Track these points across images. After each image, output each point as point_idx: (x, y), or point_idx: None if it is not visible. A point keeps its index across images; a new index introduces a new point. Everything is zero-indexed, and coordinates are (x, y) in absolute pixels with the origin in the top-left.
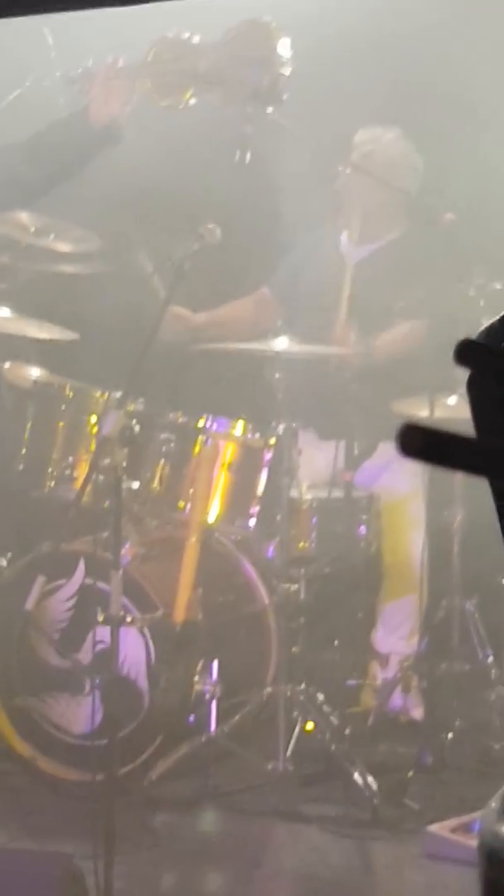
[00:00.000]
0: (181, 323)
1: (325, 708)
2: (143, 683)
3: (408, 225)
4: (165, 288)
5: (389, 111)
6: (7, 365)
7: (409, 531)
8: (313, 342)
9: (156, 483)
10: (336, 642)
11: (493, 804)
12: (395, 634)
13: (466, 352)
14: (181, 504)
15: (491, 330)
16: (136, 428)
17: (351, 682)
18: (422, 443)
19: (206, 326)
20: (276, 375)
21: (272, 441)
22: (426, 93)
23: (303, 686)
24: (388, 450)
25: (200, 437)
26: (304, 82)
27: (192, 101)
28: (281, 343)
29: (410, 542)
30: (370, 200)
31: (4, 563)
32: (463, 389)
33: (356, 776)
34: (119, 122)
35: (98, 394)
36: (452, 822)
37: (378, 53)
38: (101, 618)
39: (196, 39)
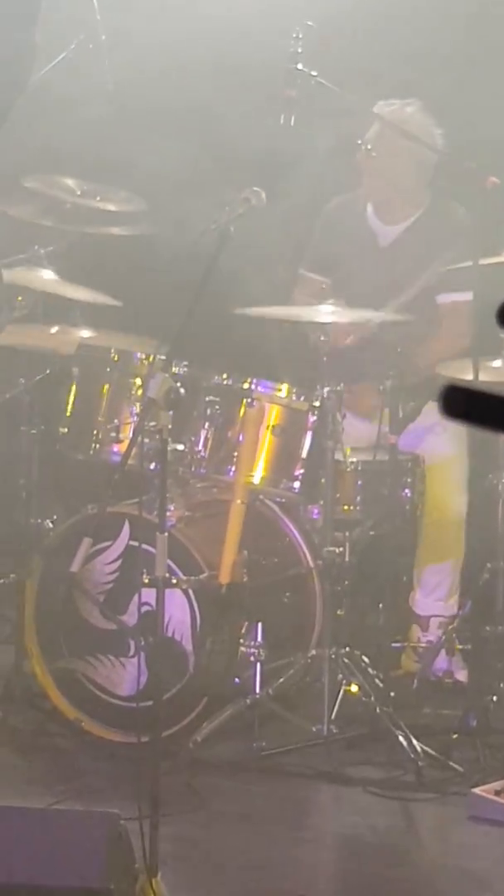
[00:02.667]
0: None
1: (370, 671)
2: (188, 645)
3: (432, 198)
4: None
5: (417, 79)
6: (53, 329)
7: (450, 493)
8: (357, 306)
9: (201, 445)
10: (380, 605)
11: None
12: (433, 596)
13: None
14: (226, 466)
15: None
16: (182, 390)
17: (395, 644)
18: (464, 404)
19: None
20: (321, 338)
21: (317, 404)
22: (455, 54)
23: (347, 649)
24: (432, 412)
25: (245, 400)
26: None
27: None
28: (326, 308)
29: (451, 503)
30: (391, 173)
31: (50, 525)
32: None
33: (401, 738)
34: None
35: (143, 356)
36: (497, 784)
37: (400, 25)
38: (146, 580)
39: None
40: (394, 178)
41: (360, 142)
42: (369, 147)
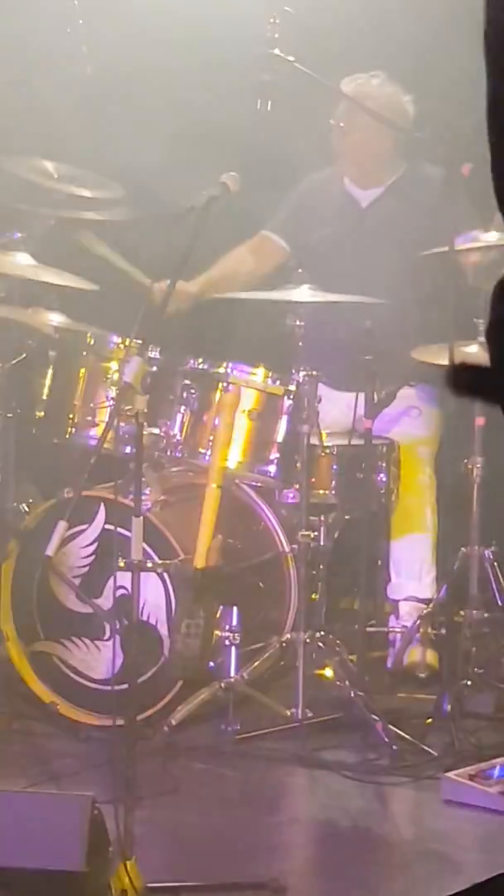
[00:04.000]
0: (178, 297)
1: (345, 655)
2: (163, 629)
3: (409, 164)
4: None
5: (386, 62)
6: (29, 311)
7: (418, 470)
8: (333, 290)
9: (176, 429)
10: (355, 589)
11: None
12: (405, 575)
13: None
14: (201, 450)
15: None
16: (157, 374)
17: (370, 629)
18: (473, 379)
19: (203, 291)
20: (297, 323)
21: (292, 388)
22: (434, 41)
23: (322, 633)
24: (407, 396)
25: (220, 384)
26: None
27: None
28: (301, 291)
29: (418, 480)
30: (366, 146)
31: (26, 508)
32: (482, 337)
33: (375, 723)
34: None
35: (119, 340)
36: (471, 768)
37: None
38: (121, 563)
39: None
40: (369, 149)
41: (332, 121)
42: (341, 125)
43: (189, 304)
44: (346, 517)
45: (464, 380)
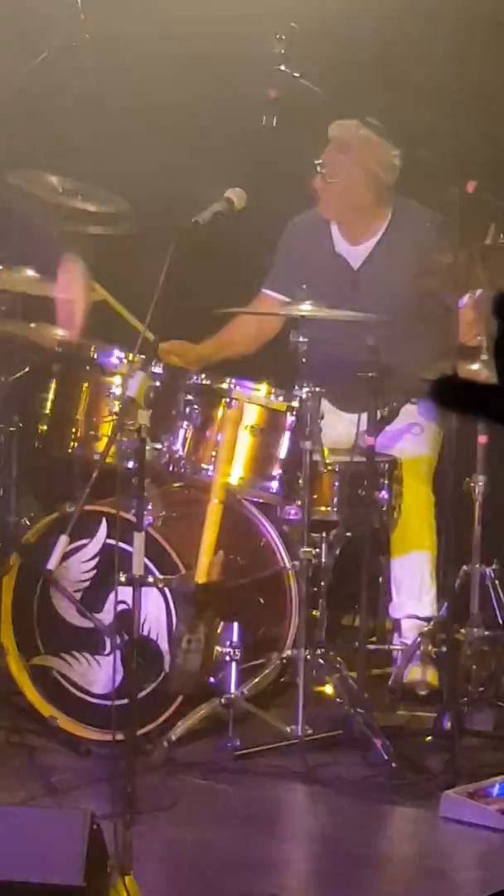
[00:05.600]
0: (185, 355)
1: (345, 672)
2: (164, 644)
3: (394, 209)
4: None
5: (399, 80)
6: (32, 325)
7: (419, 488)
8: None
9: (179, 445)
10: (356, 607)
11: None
12: (405, 593)
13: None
14: (204, 466)
15: None
16: (160, 389)
17: (370, 646)
18: (456, 393)
19: (211, 355)
20: (300, 339)
21: (295, 404)
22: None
23: (322, 650)
24: (409, 414)
25: (223, 400)
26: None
27: None
28: (305, 307)
29: (419, 498)
30: (348, 195)
31: (27, 522)
32: (485, 355)
33: (374, 740)
34: None
35: (122, 355)
36: (470, 786)
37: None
38: (122, 578)
39: None
40: (349, 200)
41: (316, 163)
42: (323, 171)
43: (197, 365)
44: (348, 534)
45: (449, 394)
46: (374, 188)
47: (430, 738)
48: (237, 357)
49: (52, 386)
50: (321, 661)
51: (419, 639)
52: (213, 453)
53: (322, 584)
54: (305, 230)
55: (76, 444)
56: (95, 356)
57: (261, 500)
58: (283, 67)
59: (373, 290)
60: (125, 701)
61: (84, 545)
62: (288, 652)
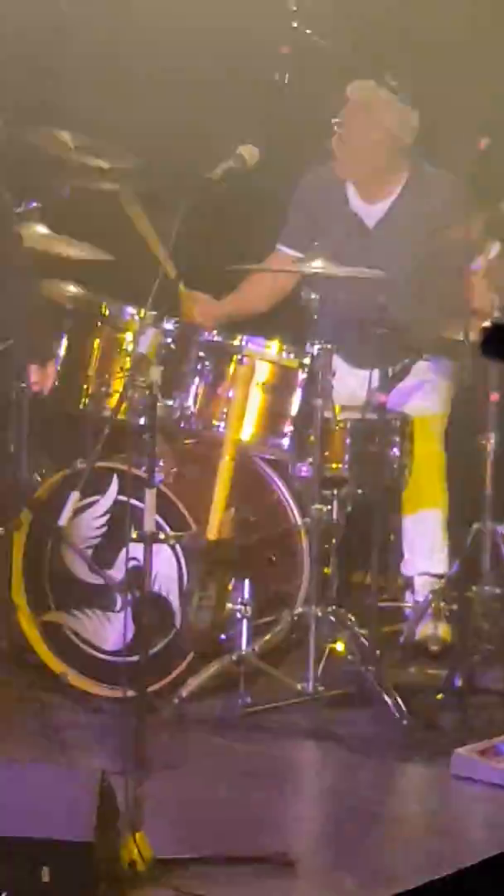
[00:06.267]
0: (204, 309)
1: (356, 629)
2: (175, 601)
3: (412, 168)
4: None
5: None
6: (44, 282)
7: (430, 445)
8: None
9: (190, 401)
10: (368, 564)
11: None
12: (417, 551)
13: None
14: (215, 423)
15: None
16: (172, 346)
17: (382, 603)
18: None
19: (229, 313)
20: (312, 296)
21: (306, 361)
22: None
23: (334, 607)
24: (420, 371)
25: (235, 357)
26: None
27: None
28: (317, 264)
29: (430, 455)
30: (365, 155)
31: (39, 479)
32: (497, 313)
33: (386, 698)
34: None
35: (134, 312)
36: (481, 744)
37: None
38: (133, 535)
39: None
40: (367, 160)
41: (334, 121)
42: (341, 131)
43: (213, 323)
44: (359, 491)
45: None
46: (391, 148)
47: (441, 695)
48: (254, 315)
49: (64, 342)
50: (332, 618)
51: (431, 596)
52: (225, 410)
53: (333, 541)
54: (319, 187)
55: (88, 400)
56: (107, 312)
57: (272, 457)
58: (295, 24)
59: (387, 250)
60: (136, 657)
61: (95, 501)
62: (299, 609)
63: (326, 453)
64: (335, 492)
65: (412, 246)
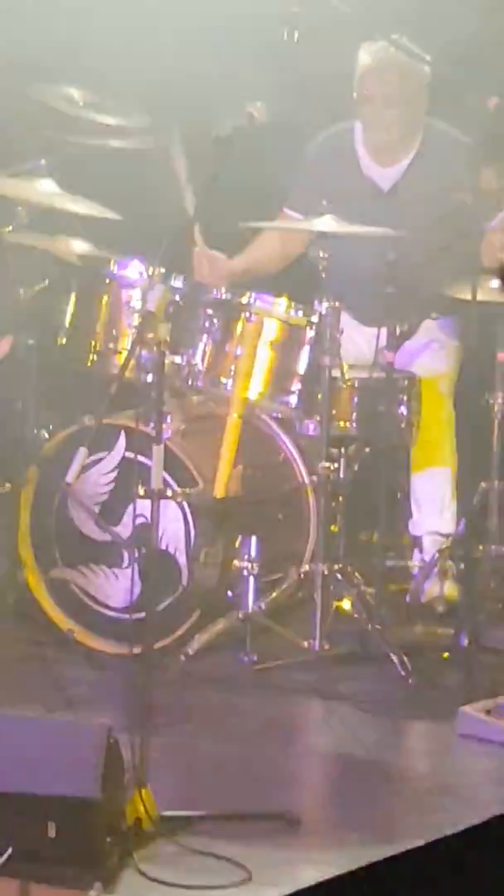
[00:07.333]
0: (216, 268)
1: (363, 587)
2: (182, 558)
3: (426, 130)
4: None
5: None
6: (53, 238)
7: (438, 404)
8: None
9: (198, 359)
10: (375, 522)
11: None
12: (426, 510)
13: None
14: (223, 380)
15: None
16: (180, 303)
17: (389, 562)
18: None
19: (240, 274)
20: (321, 254)
21: (314, 319)
22: None
23: (340, 565)
24: (428, 330)
25: (243, 314)
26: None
27: None
28: (325, 222)
29: (439, 414)
30: (381, 118)
31: (46, 435)
32: None
33: (392, 656)
34: None
35: (143, 269)
36: (487, 703)
37: None
38: (141, 491)
39: None
40: (384, 123)
41: (356, 81)
42: (354, 95)
43: (222, 281)
44: (367, 449)
45: None
46: (406, 111)
47: (447, 654)
48: (265, 277)
49: (72, 299)
50: (339, 576)
51: (437, 555)
52: (233, 367)
53: (340, 499)
54: (330, 150)
55: (96, 357)
56: (116, 269)
57: (280, 415)
58: None
59: (401, 212)
60: (142, 614)
61: (103, 458)
62: (306, 567)
63: (334, 411)
64: (342, 450)
65: (426, 207)
